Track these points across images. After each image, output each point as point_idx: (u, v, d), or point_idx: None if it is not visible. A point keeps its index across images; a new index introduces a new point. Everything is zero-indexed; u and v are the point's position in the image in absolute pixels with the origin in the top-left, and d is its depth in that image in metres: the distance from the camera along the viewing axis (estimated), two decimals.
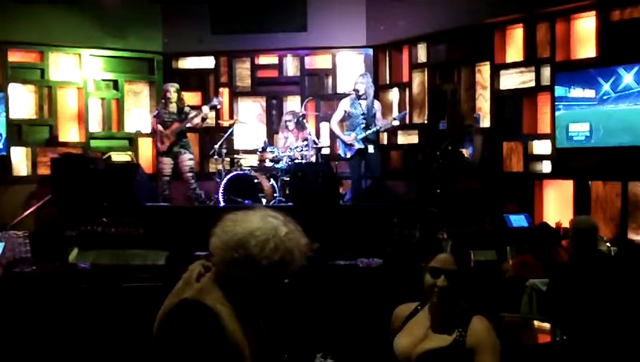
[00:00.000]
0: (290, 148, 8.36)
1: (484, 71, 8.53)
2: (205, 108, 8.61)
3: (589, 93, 7.23)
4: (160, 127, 8.53)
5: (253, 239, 2.03)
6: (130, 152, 9.62)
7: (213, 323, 1.97)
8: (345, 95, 8.61)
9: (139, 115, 10.09)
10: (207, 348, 1.95)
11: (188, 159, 8.62)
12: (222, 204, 8.07)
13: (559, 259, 5.02)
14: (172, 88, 8.63)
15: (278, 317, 2.17)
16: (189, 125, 8.62)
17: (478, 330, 2.45)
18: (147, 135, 9.96)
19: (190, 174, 8.62)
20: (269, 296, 2.09)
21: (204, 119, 8.68)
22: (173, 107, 8.60)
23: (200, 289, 2.03)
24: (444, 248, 2.53)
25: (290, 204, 7.88)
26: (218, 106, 9.00)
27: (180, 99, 8.71)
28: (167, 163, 8.59)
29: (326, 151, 9.38)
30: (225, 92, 10.17)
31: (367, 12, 9.62)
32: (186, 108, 8.67)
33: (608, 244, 6.15)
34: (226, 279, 2.06)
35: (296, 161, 8.22)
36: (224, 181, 8.16)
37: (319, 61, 10.13)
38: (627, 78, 6.92)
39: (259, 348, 2.05)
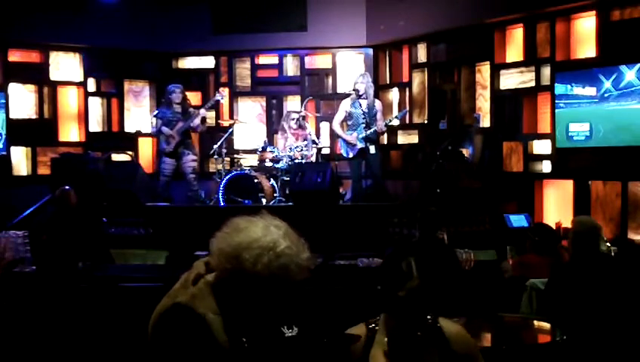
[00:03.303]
0: (290, 148, 8.36)
1: (484, 71, 8.54)
2: (202, 111, 8.61)
3: (590, 90, 7.23)
4: (165, 128, 8.51)
5: (248, 252, 1.96)
6: (130, 152, 9.62)
7: (203, 331, 1.93)
8: (345, 95, 8.60)
9: (139, 114, 10.10)
10: (194, 357, 1.92)
11: (191, 160, 8.60)
12: (222, 203, 8.08)
13: (561, 259, 5.02)
14: (177, 90, 8.62)
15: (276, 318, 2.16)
16: (191, 125, 8.60)
17: (459, 336, 2.26)
18: (147, 135, 9.97)
19: (192, 175, 8.61)
20: (264, 308, 2.05)
21: (203, 119, 8.67)
22: (177, 108, 8.59)
23: (193, 295, 1.98)
24: (408, 271, 2.27)
25: (290, 203, 7.88)
26: (221, 100, 8.99)
27: (184, 100, 8.71)
28: (170, 163, 8.57)
29: (326, 151, 9.38)
30: (225, 91, 10.16)
31: (367, 12, 9.62)
32: (190, 109, 8.66)
33: (608, 244, 6.13)
34: (223, 286, 2.02)
35: (297, 160, 8.22)
36: (224, 181, 8.16)
37: (319, 61, 10.13)
38: (629, 75, 6.92)
39: (250, 358, 2.02)
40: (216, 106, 9.79)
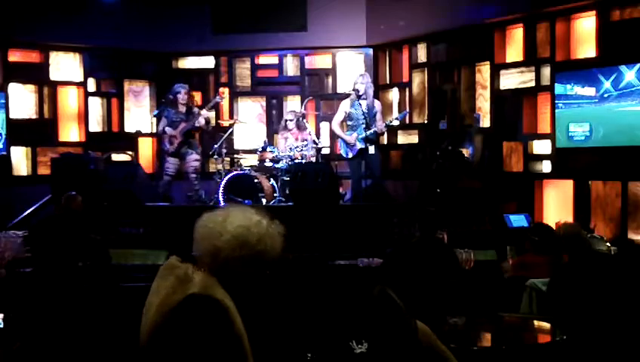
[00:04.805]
0: (290, 148, 8.36)
1: (484, 71, 8.53)
2: (204, 112, 8.62)
3: (590, 90, 7.23)
4: (169, 129, 8.51)
5: (254, 236, 2.11)
6: (130, 152, 9.63)
7: (225, 316, 2.00)
8: (345, 95, 8.61)
9: (139, 114, 10.10)
10: (220, 342, 1.97)
11: (194, 160, 8.61)
12: (222, 203, 8.07)
13: (562, 259, 5.02)
14: (183, 90, 8.62)
15: (276, 317, 2.18)
16: (195, 126, 8.60)
17: (422, 329, 2.35)
18: (147, 135, 9.97)
19: (194, 175, 8.63)
20: (254, 288, 2.13)
21: (207, 122, 8.68)
22: (181, 108, 8.60)
23: (205, 285, 2.05)
24: (392, 304, 2.20)
25: (290, 203, 7.88)
26: (221, 102, 9.03)
27: (189, 100, 8.72)
28: (174, 163, 8.58)
29: (326, 151, 9.38)
30: (225, 92, 10.17)
31: (367, 12, 9.62)
32: (195, 109, 8.67)
33: (608, 244, 6.15)
34: (222, 274, 2.08)
35: (296, 160, 8.22)
36: (224, 181, 8.16)
37: (319, 61, 10.13)
38: (629, 75, 6.91)
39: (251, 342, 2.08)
40: (216, 107, 9.81)
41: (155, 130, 9.90)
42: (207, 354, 1.96)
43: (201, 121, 8.56)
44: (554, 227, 5.63)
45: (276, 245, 2.16)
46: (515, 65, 8.19)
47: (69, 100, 9.61)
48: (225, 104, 10.12)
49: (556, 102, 7.56)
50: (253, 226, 2.12)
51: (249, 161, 9.05)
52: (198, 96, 10.05)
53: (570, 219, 7.31)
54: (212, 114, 9.40)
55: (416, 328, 2.22)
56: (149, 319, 2.06)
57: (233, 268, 2.09)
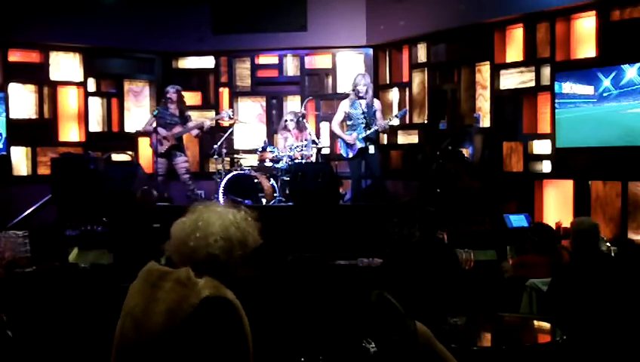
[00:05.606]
0: (290, 148, 8.37)
1: (484, 71, 8.53)
2: (207, 123, 8.68)
3: (590, 90, 7.23)
4: (162, 129, 8.53)
5: (240, 232, 2.18)
6: (130, 152, 9.62)
7: (237, 315, 2.07)
8: (345, 95, 8.62)
9: (139, 114, 10.09)
10: (235, 340, 2.04)
11: (183, 161, 8.70)
12: (222, 203, 8.06)
13: (562, 259, 5.03)
14: (172, 90, 8.66)
15: (274, 314, 2.21)
16: (190, 131, 8.64)
17: (420, 328, 2.41)
18: (147, 135, 9.96)
19: (187, 176, 8.68)
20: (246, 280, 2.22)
21: (200, 128, 8.69)
22: (174, 109, 8.63)
23: (214, 287, 2.10)
24: (392, 308, 2.28)
25: (290, 203, 7.88)
26: (226, 118, 9.07)
27: (181, 102, 8.74)
28: (162, 163, 8.65)
29: (326, 151, 9.38)
30: (225, 92, 10.18)
31: (367, 12, 9.62)
32: (187, 113, 8.70)
33: (608, 244, 6.15)
34: (221, 275, 2.14)
35: (296, 160, 8.23)
36: (224, 181, 8.17)
37: (319, 61, 10.13)
38: (630, 73, 6.89)
39: None
40: (217, 108, 9.84)
41: None
42: (225, 352, 2.01)
43: (194, 132, 8.63)
44: (554, 227, 5.65)
45: (256, 232, 2.24)
46: (515, 65, 8.18)
47: (69, 100, 9.60)
48: (225, 104, 10.12)
49: (556, 102, 7.56)
50: (234, 221, 2.19)
51: (249, 161, 9.06)
52: (198, 97, 10.06)
53: (570, 219, 7.31)
54: (210, 113, 9.40)
55: (415, 330, 2.24)
56: (153, 325, 2.07)
57: (230, 267, 2.16)
